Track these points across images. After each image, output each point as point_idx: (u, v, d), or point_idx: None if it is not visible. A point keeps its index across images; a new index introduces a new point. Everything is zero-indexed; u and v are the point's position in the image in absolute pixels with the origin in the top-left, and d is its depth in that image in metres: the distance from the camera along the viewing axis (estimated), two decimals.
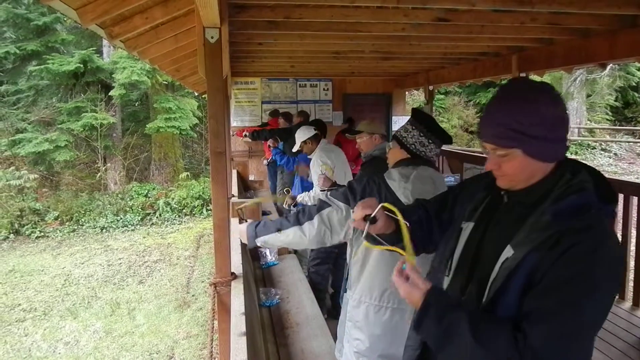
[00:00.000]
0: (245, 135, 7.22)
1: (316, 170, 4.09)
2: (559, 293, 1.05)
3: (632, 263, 4.17)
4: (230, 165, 6.26)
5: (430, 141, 2.19)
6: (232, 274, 2.71)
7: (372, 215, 1.37)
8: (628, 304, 4.09)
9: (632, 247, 4.20)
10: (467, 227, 1.35)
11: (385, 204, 1.40)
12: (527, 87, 1.20)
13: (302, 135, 4.39)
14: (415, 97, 16.07)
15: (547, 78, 14.80)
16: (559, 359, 1.06)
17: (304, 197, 4.07)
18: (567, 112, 1.22)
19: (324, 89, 8.78)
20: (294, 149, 4.62)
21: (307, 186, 4.72)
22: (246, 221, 1.54)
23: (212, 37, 2.81)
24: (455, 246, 1.36)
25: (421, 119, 2.24)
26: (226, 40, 3.01)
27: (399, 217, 1.37)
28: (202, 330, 5.59)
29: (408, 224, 1.38)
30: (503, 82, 7.44)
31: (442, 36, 4.42)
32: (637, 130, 16.09)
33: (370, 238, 1.47)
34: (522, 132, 1.15)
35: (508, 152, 1.19)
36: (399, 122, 9.02)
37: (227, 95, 6.34)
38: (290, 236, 2.15)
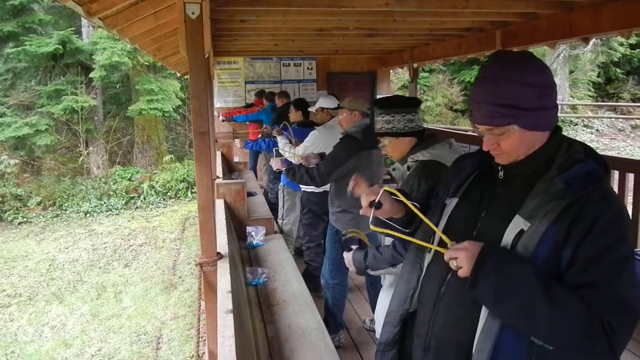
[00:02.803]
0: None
1: (310, 142, 4.05)
2: (608, 258, 1.07)
3: None
4: (214, 146, 6.21)
5: (412, 114, 2.18)
6: (218, 254, 2.70)
7: (377, 200, 1.37)
8: None
9: None
10: (451, 203, 1.34)
11: (387, 187, 1.40)
12: (509, 60, 1.19)
13: (327, 102, 4.35)
14: (400, 76, 16.02)
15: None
16: (635, 306, 1.08)
17: (285, 148, 4.09)
18: (552, 76, 1.21)
19: (307, 68, 8.69)
20: (314, 108, 4.55)
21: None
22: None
23: (192, 13, 2.75)
24: (438, 222, 1.35)
25: (387, 103, 2.23)
26: (207, 16, 2.95)
27: (402, 198, 1.37)
28: (189, 311, 5.59)
29: (417, 205, 1.39)
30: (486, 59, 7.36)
31: (426, 11, 4.38)
32: (619, 106, 16.27)
33: (382, 224, 1.47)
34: (515, 106, 1.14)
35: (504, 130, 1.17)
36: None
37: (210, 74, 6.24)
38: (396, 272, 2.09)
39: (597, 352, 1.07)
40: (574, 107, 16.23)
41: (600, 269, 1.06)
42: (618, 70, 16.94)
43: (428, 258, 1.35)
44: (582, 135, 14.18)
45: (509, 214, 1.17)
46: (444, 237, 1.25)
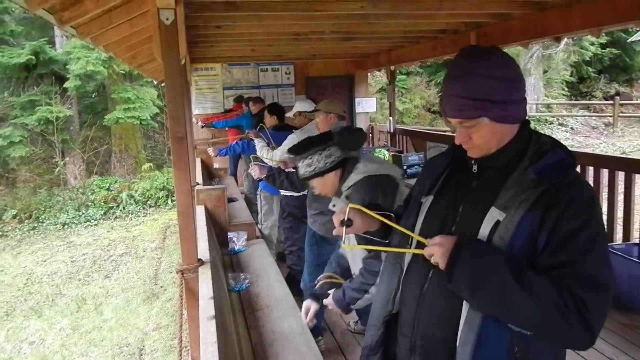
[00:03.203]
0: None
1: (288, 145, 4.03)
2: (579, 237, 1.10)
3: None
4: (193, 152, 6.14)
5: (327, 149, 2.19)
6: (199, 260, 2.66)
7: (345, 219, 1.38)
8: None
9: None
10: (427, 201, 1.35)
11: (351, 205, 1.41)
12: (478, 55, 1.21)
13: (304, 106, 4.33)
14: (378, 79, 16.12)
15: None
16: (608, 283, 1.10)
17: (262, 152, 4.06)
18: (520, 70, 1.24)
19: (285, 73, 8.68)
20: (291, 113, 4.54)
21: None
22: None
23: (167, 19, 2.73)
24: (415, 221, 1.36)
25: (300, 148, 2.23)
26: (182, 21, 2.92)
27: (366, 211, 1.39)
28: (172, 320, 5.51)
29: (392, 215, 1.41)
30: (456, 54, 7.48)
31: (401, 13, 4.41)
32: (592, 104, 16.61)
33: (361, 240, 1.48)
34: (484, 99, 1.16)
35: (475, 123, 1.19)
36: (362, 103, 9.03)
37: (187, 80, 6.19)
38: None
39: (573, 332, 1.07)
40: (548, 106, 16.52)
41: (572, 248, 1.09)
42: (590, 69, 17.31)
43: (408, 258, 1.35)
44: (558, 134, 14.43)
45: (485, 207, 1.19)
46: (419, 238, 1.26)
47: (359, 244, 1.49)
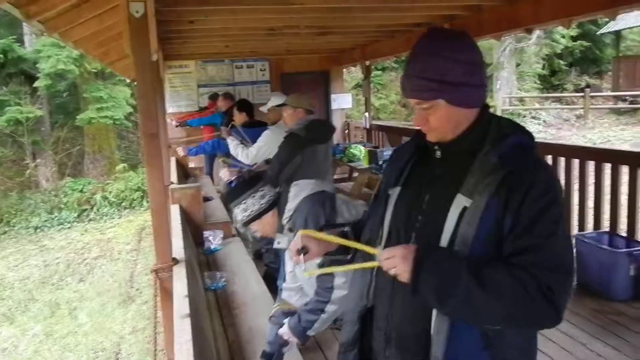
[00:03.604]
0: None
1: (264, 142, 3.99)
2: (543, 221, 1.11)
3: None
4: (167, 150, 6.05)
5: (260, 190, 2.18)
6: (174, 259, 2.61)
7: (301, 247, 1.38)
8: None
9: None
10: (394, 192, 1.34)
11: (302, 231, 1.41)
12: (439, 36, 1.21)
13: (277, 101, 4.29)
14: (354, 75, 16.14)
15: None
16: (570, 264, 1.14)
17: (237, 151, 4.01)
18: (482, 56, 1.23)
19: (260, 70, 8.61)
20: (265, 107, 4.47)
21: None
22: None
23: (137, 12, 2.67)
24: (384, 214, 1.34)
25: (232, 195, 2.20)
26: (152, 14, 2.86)
27: (316, 234, 1.39)
28: (149, 323, 5.42)
29: (346, 229, 1.43)
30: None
31: (375, 7, 4.40)
32: (563, 97, 16.93)
33: (327, 263, 1.46)
34: (442, 81, 1.16)
35: (432, 104, 1.19)
36: (337, 99, 9.02)
37: (160, 77, 6.09)
38: (335, 308, 2.04)
39: (541, 317, 1.10)
40: (521, 100, 16.76)
41: (537, 232, 1.10)
42: (561, 62, 17.60)
43: (379, 251, 1.33)
44: (531, 127, 14.63)
45: (451, 193, 1.18)
46: (370, 250, 1.24)
47: (321, 266, 1.48)
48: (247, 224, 2.20)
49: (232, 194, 2.21)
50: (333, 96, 9.01)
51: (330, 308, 2.00)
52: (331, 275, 1.95)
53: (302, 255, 1.38)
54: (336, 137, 9.07)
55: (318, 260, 1.55)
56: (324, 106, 9.04)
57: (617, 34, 16.96)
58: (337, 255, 1.42)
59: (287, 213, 2.12)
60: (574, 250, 3.89)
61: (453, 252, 1.15)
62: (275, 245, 2.15)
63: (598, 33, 17.09)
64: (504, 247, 1.13)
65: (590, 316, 3.31)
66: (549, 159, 4.55)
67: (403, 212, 1.29)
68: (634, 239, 3.69)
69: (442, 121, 1.21)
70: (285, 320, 2.12)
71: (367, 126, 8.31)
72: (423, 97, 1.19)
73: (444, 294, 1.11)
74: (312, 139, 3.25)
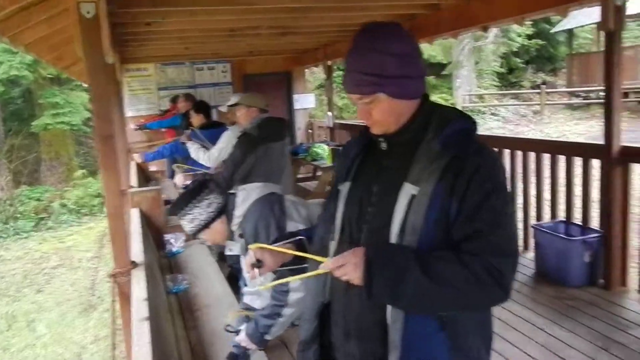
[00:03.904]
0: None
1: (225, 143, 3.93)
2: (489, 205, 1.14)
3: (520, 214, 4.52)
4: (125, 153, 5.91)
5: (205, 198, 2.09)
6: (132, 262, 2.56)
7: (255, 261, 1.37)
8: (519, 248, 4.45)
9: (519, 201, 4.58)
10: (344, 188, 1.34)
11: (252, 246, 1.40)
12: (374, 31, 1.21)
13: (234, 101, 4.21)
14: (317, 75, 16.17)
15: (437, 47, 15.51)
16: (516, 245, 1.20)
17: (198, 155, 3.94)
18: (419, 47, 1.25)
19: (222, 71, 8.52)
20: (223, 108, 4.36)
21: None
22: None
23: (87, 13, 2.60)
24: (335, 210, 1.34)
25: (177, 206, 2.11)
26: (104, 15, 2.79)
27: (267, 246, 1.38)
28: (111, 331, 5.29)
29: (301, 238, 1.43)
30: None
31: (336, 6, 4.42)
32: (521, 93, 17.41)
33: (285, 273, 1.44)
34: (380, 75, 1.17)
35: (373, 98, 1.20)
36: (300, 100, 9.02)
37: (117, 81, 5.95)
38: (292, 311, 2.01)
39: (492, 298, 1.16)
40: (481, 97, 17.15)
41: (483, 217, 1.13)
42: (518, 60, 18.13)
43: (333, 246, 1.33)
44: (490, 123, 15.02)
45: (398, 183, 1.20)
46: (319, 259, 1.23)
47: (277, 278, 1.47)
48: (196, 234, 2.12)
49: (177, 205, 2.12)
50: (296, 96, 9.00)
51: (287, 311, 1.98)
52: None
53: (256, 269, 1.36)
54: (300, 137, 9.10)
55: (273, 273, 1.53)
56: (287, 106, 9.04)
57: (570, 33, 17.58)
58: (293, 265, 1.40)
59: (237, 219, 2.08)
60: (533, 241, 4.02)
61: (402, 248, 1.16)
62: (227, 252, 2.11)
63: (552, 31, 17.68)
64: (453, 233, 1.16)
65: (549, 302, 3.41)
66: (507, 153, 4.67)
67: (354, 206, 1.30)
68: (588, 227, 3.81)
69: (384, 114, 1.22)
70: (242, 327, 2.08)
71: (331, 125, 8.34)
72: (363, 91, 1.20)
73: (397, 293, 1.12)
74: (265, 138, 3.22)
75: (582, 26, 15.96)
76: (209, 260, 3.49)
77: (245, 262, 1.40)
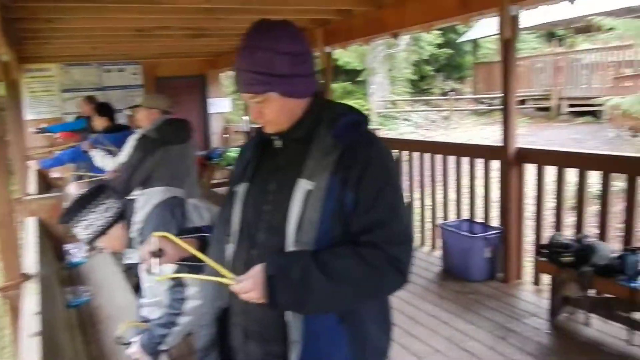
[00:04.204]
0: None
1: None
2: (384, 196, 1.18)
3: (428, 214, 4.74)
4: (22, 158, 5.48)
5: (102, 202, 1.99)
6: (24, 275, 2.38)
7: (156, 249, 1.32)
8: (427, 248, 4.76)
9: (428, 202, 4.78)
10: (241, 189, 1.33)
11: (156, 233, 1.36)
12: (264, 29, 1.22)
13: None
14: (233, 79, 15.98)
15: (352, 54, 15.87)
16: (411, 231, 1.27)
17: (104, 162, 3.74)
18: (309, 46, 1.26)
19: (132, 74, 8.19)
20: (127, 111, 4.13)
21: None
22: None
23: None
24: (231, 212, 1.33)
25: (69, 214, 1.98)
26: None
27: (173, 238, 1.34)
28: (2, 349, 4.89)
29: (205, 235, 1.42)
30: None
31: (249, 8, 4.38)
32: (431, 100, 18.28)
33: (185, 268, 1.41)
34: (271, 74, 1.17)
35: (264, 97, 1.20)
36: (215, 104, 8.87)
37: (13, 81, 5.52)
38: (188, 319, 1.90)
39: (392, 285, 1.22)
40: (394, 103, 17.79)
41: (380, 208, 1.17)
42: (428, 67, 19.04)
43: (231, 249, 1.32)
44: (403, 128, 15.61)
45: (294, 180, 1.21)
46: (224, 271, 1.21)
47: (177, 272, 1.42)
48: (92, 241, 1.99)
49: (70, 212, 1.95)
50: (211, 100, 8.85)
51: (183, 320, 1.91)
52: (183, 285, 1.88)
53: (157, 258, 1.31)
54: (215, 141, 8.94)
55: (173, 266, 1.48)
56: (201, 110, 8.86)
57: (475, 42, 18.70)
58: (194, 262, 1.36)
59: (136, 225, 1.98)
60: (441, 239, 4.21)
61: (300, 256, 1.16)
62: (126, 261, 2.01)
63: (458, 41, 18.72)
64: (351, 224, 1.18)
65: (453, 297, 3.60)
66: (416, 155, 4.89)
67: (251, 207, 1.30)
68: (489, 225, 4.06)
69: (276, 113, 1.22)
70: (135, 339, 1.98)
71: (247, 130, 8.27)
72: (255, 91, 1.20)
73: (301, 302, 1.15)
74: (166, 140, 3.11)
75: (486, 37, 17.03)
76: (113, 270, 3.32)
77: (143, 250, 1.33)
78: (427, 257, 4.47)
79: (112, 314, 2.62)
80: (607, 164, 3.32)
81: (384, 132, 13.66)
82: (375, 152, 1.21)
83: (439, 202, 4.66)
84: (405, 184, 5.10)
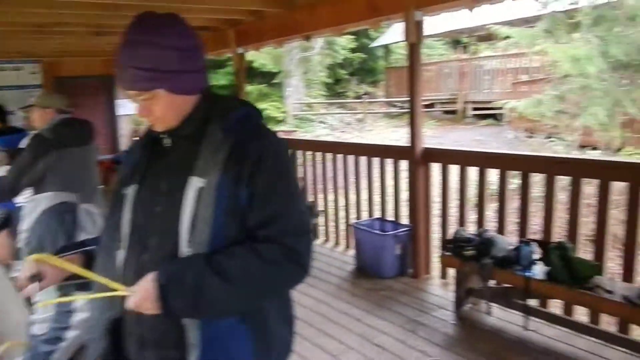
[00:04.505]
0: None
1: None
2: (281, 189, 1.17)
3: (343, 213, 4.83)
4: None
5: None
6: None
7: (34, 273, 1.21)
8: (342, 247, 4.85)
9: (342, 202, 4.88)
10: (130, 191, 1.27)
11: (33, 256, 1.23)
12: (149, 23, 1.17)
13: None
14: None
15: (268, 56, 15.84)
16: (309, 223, 1.25)
17: None
18: (199, 40, 1.23)
19: (31, 73, 7.63)
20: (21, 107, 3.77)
21: None
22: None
23: None
24: (120, 216, 1.26)
25: None
26: None
27: (50, 259, 1.23)
28: None
29: (90, 248, 1.33)
30: (227, 57, 7.68)
31: (156, 6, 4.23)
32: (346, 103, 18.69)
33: (70, 287, 1.33)
34: (157, 70, 1.13)
35: (152, 95, 1.16)
36: (124, 105, 8.47)
37: None
38: (77, 333, 1.73)
39: (292, 279, 1.21)
40: (310, 105, 17.99)
41: (275, 201, 1.17)
42: (343, 71, 19.46)
43: (121, 255, 1.24)
44: (319, 130, 15.83)
45: (185, 179, 1.17)
46: (113, 284, 1.16)
47: (62, 295, 1.33)
48: None
49: None
50: (119, 102, 8.44)
51: (70, 334, 1.78)
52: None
53: (36, 283, 1.20)
54: (124, 144, 8.55)
55: (55, 288, 1.37)
56: (109, 112, 8.44)
57: (387, 48, 19.38)
58: (80, 280, 1.27)
59: (23, 234, 1.83)
60: (354, 239, 4.30)
61: (193, 261, 1.12)
62: (14, 274, 1.84)
63: (370, 46, 19.32)
64: (247, 220, 1.16)
65: (366, 294, 3.69)
66: (329, 156, 4.97)
67: (141, 209, 1.24)
68: (399, 223, 4.21)
69: (164, 110, 1.18)
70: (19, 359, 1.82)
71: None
72: (141, 88, 1.15)
73: (198, 309, 1.12)
74: (61, 142, 2.89)
75: (396, 42, 17.69)
76: (5, 284, 3.06)
77: (20, 276, 1.23)
78: (341, 257, 4.56)
79: (6, 331, 2.41)
80: (505, 163, 3.57)
81: (300, 134, 13.75)
82: (268, 145, 1.19)
83: (353, 202, 4.77)
84: (319, 185, 5.18)
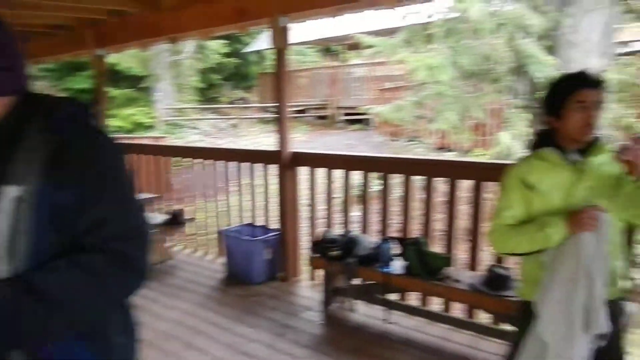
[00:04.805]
0: None
1: None
2: (108, 191, 1.08)
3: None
4: None
5: None
6: None
7: None
8: (211, 255, 4.71)
9: (211, 209, 4.76)
10: None
11: None
12: None
13: None
14: None
15: (134, 59, 15.08)
16: (143, 225, 1.15)
17: None
18: (9, 35, 1.11)
19: None
20: None
21: None
22: None
23: None
24: None
25: None
26: None
27: None
28: None
29: None
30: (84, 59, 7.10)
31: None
32: (219, 108, 18.40)
33: None
34: None
35: None
36: None
37: None
38: None
39: (127, 285, 1.12)
40: (181, 111, 17.43)
41: (103, 205, 1.08)
42: (216, 76, 19.15)
43: None
44: (191, 136, 15.38)
45: None
46: None
47: None
48: None
49: None
50: None
51: None
52: None
53: None
54: None
55: None
56: None
57: (259, 53, 19.44)
58: None
59: None
60: (224, 246, 4.21)
61: (6, 285, 0.99)
62: None
63: (242, 51, 19.27)
64: (74, 226, 1.05)
65: (235, 302, 3.63)
66: (198, 162, 4.83)
67: None
68: (269, 227, 4.21)
69: None
70: None
71: None
72: None
73: (16, 340, 0.99)
74: None
75: (269, 48, 17.84)
76: None
77: None
78: (210, 265, 4.44)
79: None
80: (367, 165, 3.74)
81: (171, 141, 13.25)
82: (95, 145, 1.10)
83: (223, 208, 4.67)
84: (187, 192, 5.00)
